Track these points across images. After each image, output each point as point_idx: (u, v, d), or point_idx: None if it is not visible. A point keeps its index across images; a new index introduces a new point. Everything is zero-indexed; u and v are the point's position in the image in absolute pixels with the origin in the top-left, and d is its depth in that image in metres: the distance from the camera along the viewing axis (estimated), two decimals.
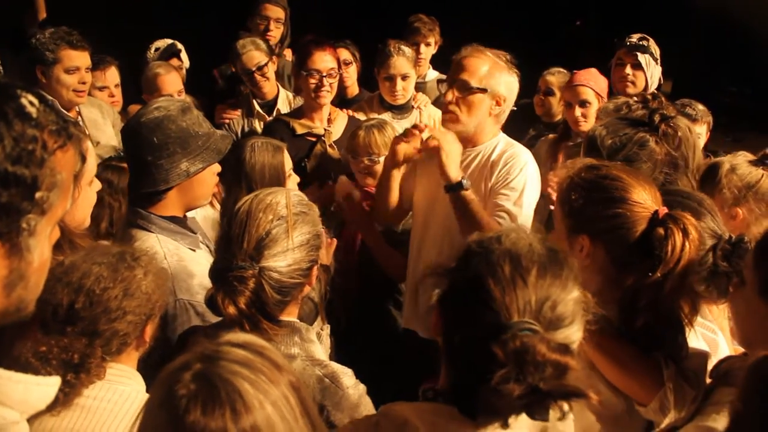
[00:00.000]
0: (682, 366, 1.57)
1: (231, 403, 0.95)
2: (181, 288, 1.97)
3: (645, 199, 1.58)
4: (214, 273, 1.62)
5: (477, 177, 2.63)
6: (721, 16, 4.53)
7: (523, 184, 2.55)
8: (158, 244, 2.02)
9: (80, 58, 3.19)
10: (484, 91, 2.58)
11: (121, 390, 1.54)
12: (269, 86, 3.76)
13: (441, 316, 1.27)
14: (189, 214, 2.24)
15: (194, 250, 2.13)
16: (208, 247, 2.20)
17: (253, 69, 3.67)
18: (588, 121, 3.28)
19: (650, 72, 3.55)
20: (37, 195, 0.91)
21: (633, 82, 3.54)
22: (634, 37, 3.58)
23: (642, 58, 3.52)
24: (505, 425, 1.19)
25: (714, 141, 3.68)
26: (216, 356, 1.01)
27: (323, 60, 3.22)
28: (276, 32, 4.23)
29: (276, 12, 4.25)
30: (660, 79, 3.64)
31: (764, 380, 1.08)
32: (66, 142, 0.96)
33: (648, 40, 3.57)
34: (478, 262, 1.22)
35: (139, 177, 2.09)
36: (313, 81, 3.20)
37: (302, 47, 3.35)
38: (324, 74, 3.20)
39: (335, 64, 3.28)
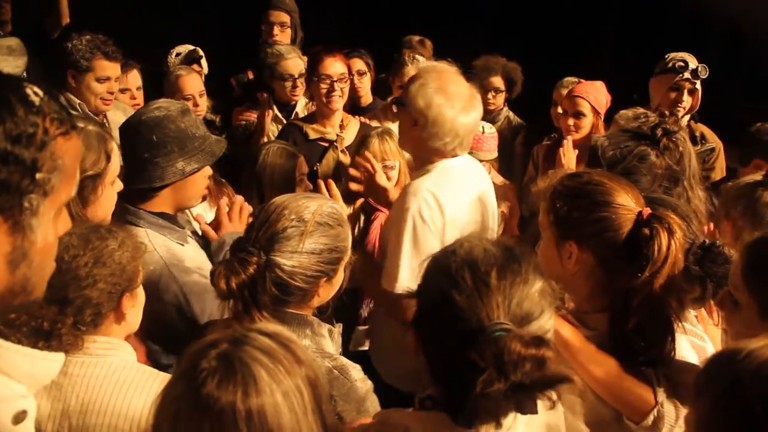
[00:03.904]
0: (674, 381, 1.55)
1: (244, 385, 1.02)
2: (179, 271, 2.04)
3: (628, 202, 1.59)
4: (231, 248, 1.69)
5: None
6: (737, 33, 4.50)
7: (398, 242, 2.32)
8: (146, 238, 2.06)
9: (112, 69, 3.23)
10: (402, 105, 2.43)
11: (109, 362, 1.55)
12: (301, 92, 3.86)
13: (417, 338, 1.30)
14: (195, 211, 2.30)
15: (182, 245, 2.16)
16: (198, 242, 2.25)
17: (297, 75, 3.76)
18: (579, 132, 3.36)
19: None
20: (38, 176, 0.95)
21: (684, 108, 3.47)
22: (694, 62, 3.46)
23: (698, 84, 3.47)
24: (498, 425, 1.21)
25: (729, 157, 3.63)
26: (243, 340, 1.08)
27: (333, 66, 3.29)
28: (281, 36, 4.27)
29: (279, 16, 4.30)
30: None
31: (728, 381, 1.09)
32: (69, 131, 1.00)
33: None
34: (440, 278, 1.25)
35: (133, 173, 2.12)
36: (324, 86, 3.27)
37: (313, 55, 3.44)
38: (335, 79, 3.26)
39: (345, 70, 3.35)
